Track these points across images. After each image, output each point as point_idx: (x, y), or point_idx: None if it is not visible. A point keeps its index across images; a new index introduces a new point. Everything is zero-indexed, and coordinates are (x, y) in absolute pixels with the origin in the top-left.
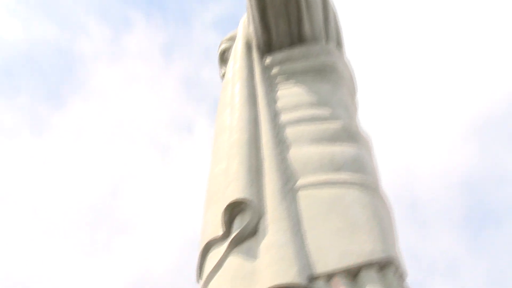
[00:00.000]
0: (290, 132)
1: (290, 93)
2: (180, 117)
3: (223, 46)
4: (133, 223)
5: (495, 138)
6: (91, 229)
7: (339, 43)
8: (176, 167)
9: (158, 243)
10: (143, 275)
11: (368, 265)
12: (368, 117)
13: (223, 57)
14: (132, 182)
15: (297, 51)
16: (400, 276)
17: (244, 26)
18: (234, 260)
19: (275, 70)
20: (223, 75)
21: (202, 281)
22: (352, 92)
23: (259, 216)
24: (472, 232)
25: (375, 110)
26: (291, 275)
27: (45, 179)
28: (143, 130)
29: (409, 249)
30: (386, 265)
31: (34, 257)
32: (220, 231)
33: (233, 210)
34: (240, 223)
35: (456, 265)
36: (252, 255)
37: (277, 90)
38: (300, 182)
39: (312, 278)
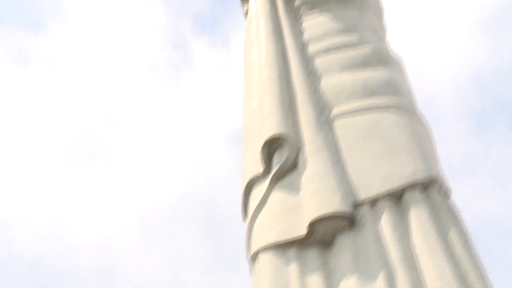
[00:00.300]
0: (319, 62)
1: (315, 23)
2: (165, 34)
3: None
4: (133, 150)
5: (504, 29)
6: (88, 158)
7: None
8: (171, 86)
9: (163, 171)
10: (154, 204)
11: (411, 186)
12: None
13: None
14: (127, 106)
15: None
16: (445, 193)
17: None
18: (277, 195)
19: (298, 1)
20: (246, 12)
21: (248, 219)
22: (379, 14)
23: (297, 149)
24: (486, 127)
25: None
26: (335, 204)
27: (36, 109)
28: (130, 50)
29: None
30: (429, 185)
31: (27, 193)
32: (260, 169)
33: (271, 146)
34: (279, 158)
35: (473, 163)
36: (294, 188)
37: (302, 22)
38: (335, 111)
39: (356, 205)
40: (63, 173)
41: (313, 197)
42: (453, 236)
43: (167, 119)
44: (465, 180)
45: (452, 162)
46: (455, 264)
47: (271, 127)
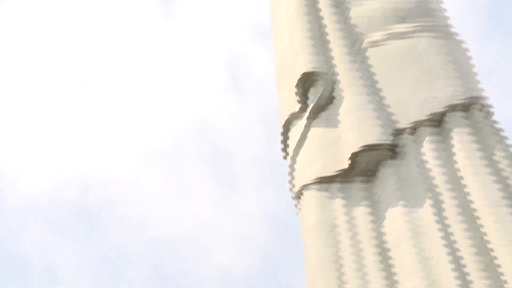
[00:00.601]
0: None
1: None
2: None
3: None
4: (130, 82)
5: None
6: (84, 94)
7: None
8: (165, 17)
9: (165, 102)
10: (156, 135)
11: (451, 108)
12: None
13: None
14: (123, 39)
15: None
16: (487, 113)
17: None
18: (316, 131)
19: None
20: None
21: (288, 159)
22: None
23: (332, 83)
24: (498, 26)
25: None
26: (374, 134)
27: (24, 43)
28: None
29: None
30: (470, 105)
31: (26, 134)
32: (296, 106)
33: (305, 83)
34: (314, 94)
35: (490, 68)
36: (332, 123)
37: None
38: (367, 40)
39: (397, 133)
40: (60, 111)
41: (352, 129)
42: (498, 155)
43: (165, 50)
44: (486, 87)
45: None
46: (502, 183)
47: (304, 64)
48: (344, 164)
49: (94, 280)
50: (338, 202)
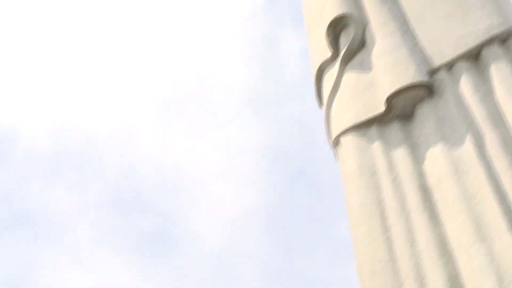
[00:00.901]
0: None
1: None
2: None
3: None
4: (131, 33)
5: None
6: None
7: None
8: None
9: (164, 56)
10: (159, 86)
11: (488, 42)
12: None
13: None
14: None
15: None
16: None
17: None
18: (349, 76)
19: None
20: None
21: (324, 106)
22: None
23: (363, 27)
24: None
25: None
26: (410, 75)
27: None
28: None
29: None
30: (508, 37)
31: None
32: (328, 53)
33: (336, 28)
34: (346, 39)
35: None
36: (366, 67)
37: None
38: None
39: (432, 72)
40: (57, 63)
41: (386, 72)
42: None
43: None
44: None
45: None
46: None
47: (333, 9)
48: (380, 108)
49: (95, 226)
50: (377, 146)
